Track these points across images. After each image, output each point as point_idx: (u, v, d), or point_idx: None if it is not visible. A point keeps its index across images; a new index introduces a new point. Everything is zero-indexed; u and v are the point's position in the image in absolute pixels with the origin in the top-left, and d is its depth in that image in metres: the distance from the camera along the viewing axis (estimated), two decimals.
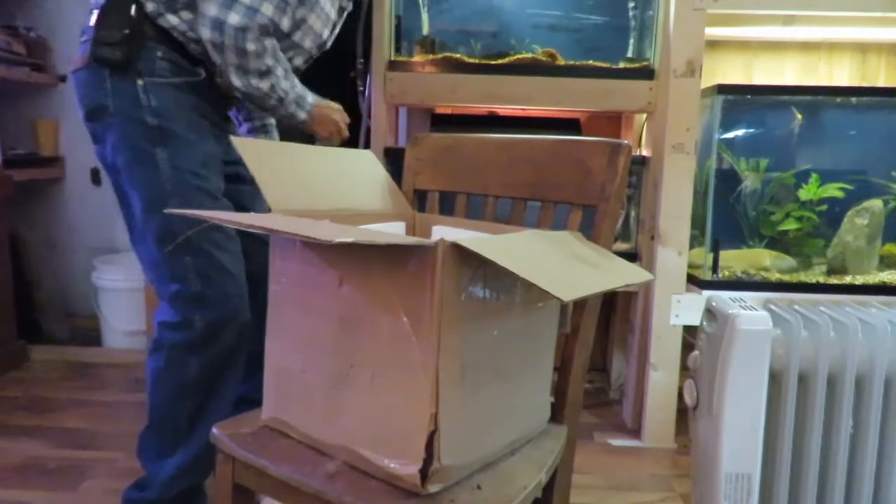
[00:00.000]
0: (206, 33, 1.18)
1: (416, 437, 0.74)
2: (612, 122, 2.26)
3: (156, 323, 1.26)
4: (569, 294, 0.68)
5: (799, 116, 1.86)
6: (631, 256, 1.91)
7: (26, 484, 1.59)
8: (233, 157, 1.34)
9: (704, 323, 1.31)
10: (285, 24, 1.24)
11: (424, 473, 0.74)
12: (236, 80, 1.23)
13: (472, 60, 1.87)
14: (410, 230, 1.15)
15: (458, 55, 1.89)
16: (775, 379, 1.25)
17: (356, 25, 1.79)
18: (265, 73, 1.23)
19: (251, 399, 1.32)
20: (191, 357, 1.23)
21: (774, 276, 1.78)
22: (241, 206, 1.39)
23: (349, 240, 0.64)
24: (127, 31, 1.18)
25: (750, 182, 1.83)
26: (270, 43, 1.22)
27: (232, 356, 1.26)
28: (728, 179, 1.86)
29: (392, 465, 0.76)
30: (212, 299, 1.22)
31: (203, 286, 1.22)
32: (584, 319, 0.97)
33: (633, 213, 2.00)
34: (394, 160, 1.85)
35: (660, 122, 1.81)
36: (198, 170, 1.22)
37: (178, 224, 1.20)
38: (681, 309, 1.78)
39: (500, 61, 1.87)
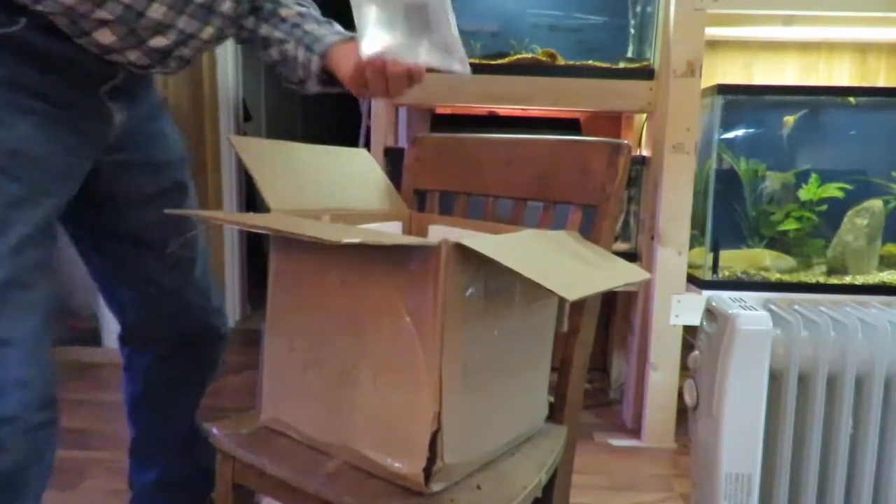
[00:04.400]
0: None
1: (419, 436, 0.74)
2: (612, 122, 2.26)
3: None
4: (574, 294, 0.68)
5: (787, 120, 1.86)
6: (631, 256, 1.91)
7: None
8: (110, 143, 0.99)
9: (704, 323, 1.31)
10: None
11: (428, 472, 0.74)
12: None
13: (471, 60, 1.86)
14: (407, 230, 1.14)
15: None
16: (775, 379, 1.25)
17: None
18: None
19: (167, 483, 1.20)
20: None
21: (774, 276, 1.78)
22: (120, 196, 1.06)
23: (357, 241, 0.64)
24: None
25: (770, 183, 1.83)
26: None
27: (16, 477, 0.84)
28: (728, 179, 1.86)
29: (395, 465, 0.77)
30: None
31: None
32: (584, 319, 0.97)
33: (633, 213, 2.00)
34: (394, 160, 1.84)
35: (660, 122, 1.81)
36: None
37: None
38: (681, 309, 1.78)
39: (500, 61, 1.86)
